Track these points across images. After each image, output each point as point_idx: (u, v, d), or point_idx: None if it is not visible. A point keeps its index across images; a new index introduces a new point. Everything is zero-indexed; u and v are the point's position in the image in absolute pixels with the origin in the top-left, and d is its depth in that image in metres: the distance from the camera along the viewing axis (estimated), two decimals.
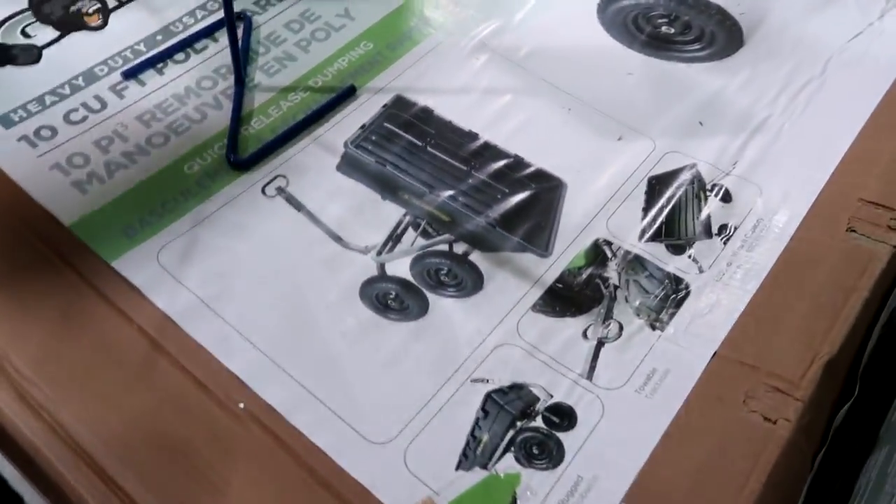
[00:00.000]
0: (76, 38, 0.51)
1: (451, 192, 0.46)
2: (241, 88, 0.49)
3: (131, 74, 0.49)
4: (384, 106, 0.50)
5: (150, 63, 0.50)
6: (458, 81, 0.51)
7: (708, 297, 0.41)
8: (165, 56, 0.51)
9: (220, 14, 0.53)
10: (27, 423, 0.34)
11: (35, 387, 0.36)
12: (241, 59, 0.49)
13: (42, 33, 0.51)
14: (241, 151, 0.46)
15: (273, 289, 0.41)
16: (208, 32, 0.52)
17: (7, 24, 0.51)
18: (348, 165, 0.47)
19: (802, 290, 0.41)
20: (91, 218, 0.43)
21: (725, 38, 0.56)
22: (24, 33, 0.51)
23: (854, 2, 0.58)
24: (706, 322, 0.40)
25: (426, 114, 0.50)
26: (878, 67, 0.53)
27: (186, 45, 0.51)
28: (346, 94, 0.50)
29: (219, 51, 0.51)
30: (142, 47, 0.51)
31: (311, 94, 0.50)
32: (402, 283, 0.42)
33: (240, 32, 0.52)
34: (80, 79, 0.49)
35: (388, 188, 0.46)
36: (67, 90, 0.48)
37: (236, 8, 0.53)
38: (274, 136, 0.47)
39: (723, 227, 0.45)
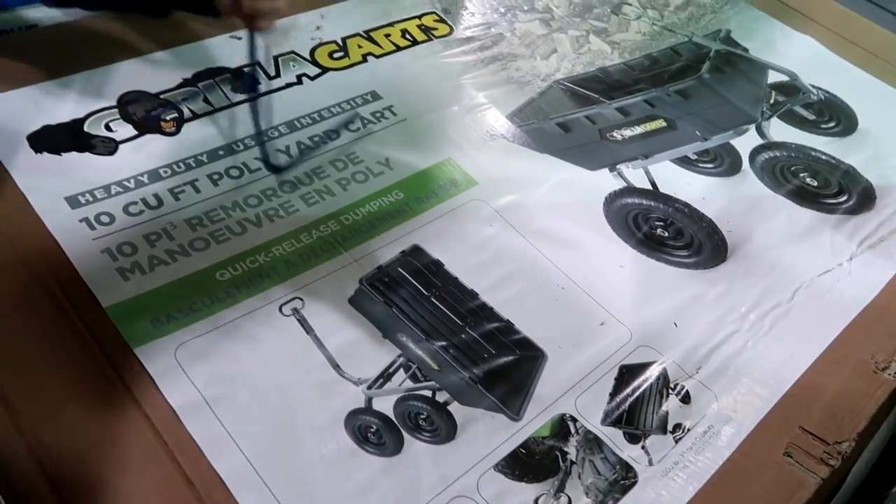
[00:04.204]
0: (150, 140, 0.58)
1: (444, 343, 0.51)
2: None
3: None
4: (402, 252, 0.56)
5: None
6: (471, 243, 0.58)
7: (652, 490, 0.46)
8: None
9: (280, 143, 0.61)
10: (33, 482, 0.38)
11: (43, 449, 0.40)
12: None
13: (123, 129, 0.58)
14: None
15: (269, 402, 0.45)
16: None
17: (95, 116, 0.58)
18: (359, 300, 0.52)
19: (735, 502, 0.45)
20: (126, 304, 0.48)
21: (711, 250, 0.63)
22: (107, 127, 0.58)
23: (829, 241, 0.65)
24: None
25: (437, 266, 0.56)
26: (840, 306, 0.59)
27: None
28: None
29: (269, 174, 0.58)
30: (204, 158, 0.58)
31: (340, 228, 0.56)
32: (384, 419, 0.46)
33: None
34: (146, 176, 0.55)
35: (389, 329, 0.51)
36: (132, 184, 0.55)
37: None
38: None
39: (678, 426, 0.50)
